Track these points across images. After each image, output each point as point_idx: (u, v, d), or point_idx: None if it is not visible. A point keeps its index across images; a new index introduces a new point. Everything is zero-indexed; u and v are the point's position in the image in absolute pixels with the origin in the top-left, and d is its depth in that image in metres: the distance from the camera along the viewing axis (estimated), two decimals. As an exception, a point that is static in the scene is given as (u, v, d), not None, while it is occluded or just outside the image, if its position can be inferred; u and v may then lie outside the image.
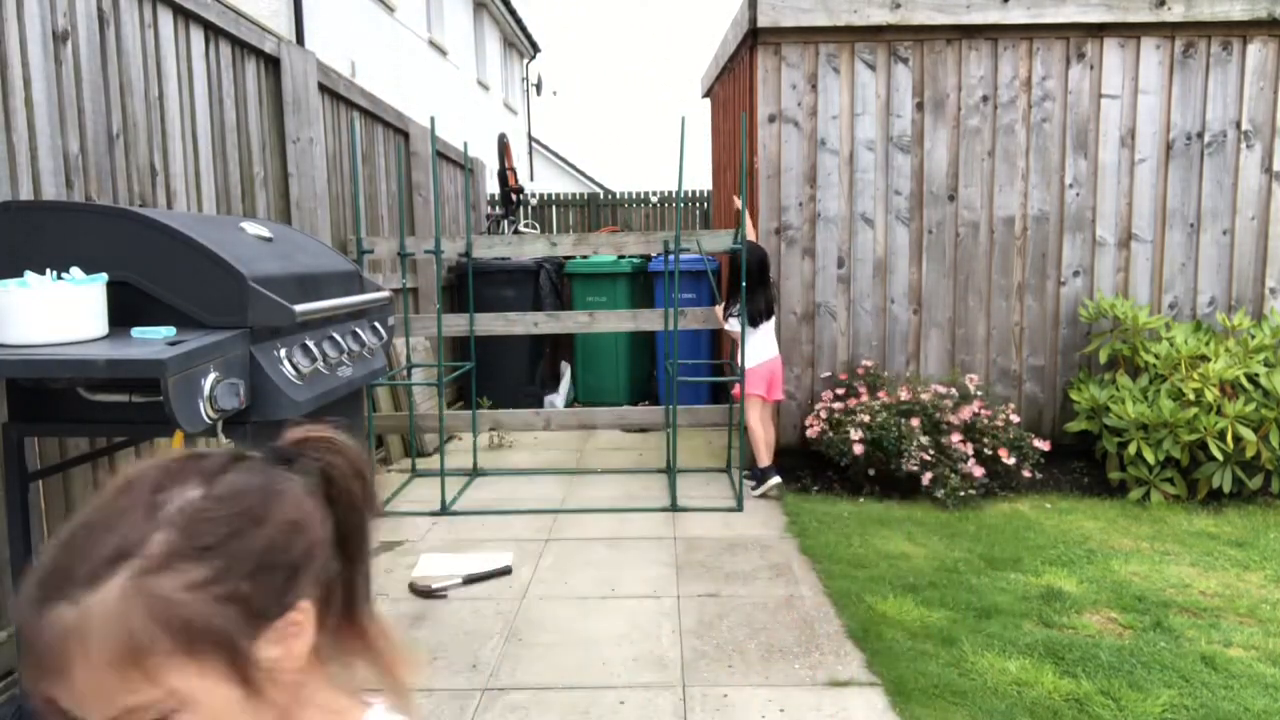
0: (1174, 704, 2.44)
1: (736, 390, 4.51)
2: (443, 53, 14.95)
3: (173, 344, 1.82)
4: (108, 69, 2.90)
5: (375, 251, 4.79)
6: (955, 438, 4.35)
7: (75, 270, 1.94)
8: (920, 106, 4.82)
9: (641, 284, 7.02)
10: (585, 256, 6.80)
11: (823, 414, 4.66)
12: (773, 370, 4.57)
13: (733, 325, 4.55)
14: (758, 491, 4.48)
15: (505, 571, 3.47)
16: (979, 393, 4.71)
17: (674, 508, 4.26)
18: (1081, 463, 4.83)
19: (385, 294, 2.75)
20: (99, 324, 1.92)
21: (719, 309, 4.70)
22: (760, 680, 2.60)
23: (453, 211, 7.38)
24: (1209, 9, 4.67)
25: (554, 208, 11.86)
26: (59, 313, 1.85)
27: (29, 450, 2.40)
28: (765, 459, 4.54)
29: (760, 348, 4.53)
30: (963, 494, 4.25)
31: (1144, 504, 4.30)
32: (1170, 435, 4.24)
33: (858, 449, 4.31)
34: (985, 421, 4.47)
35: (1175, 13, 4.68)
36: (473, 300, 4.87)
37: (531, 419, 4.98)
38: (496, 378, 6.60)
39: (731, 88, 5.75)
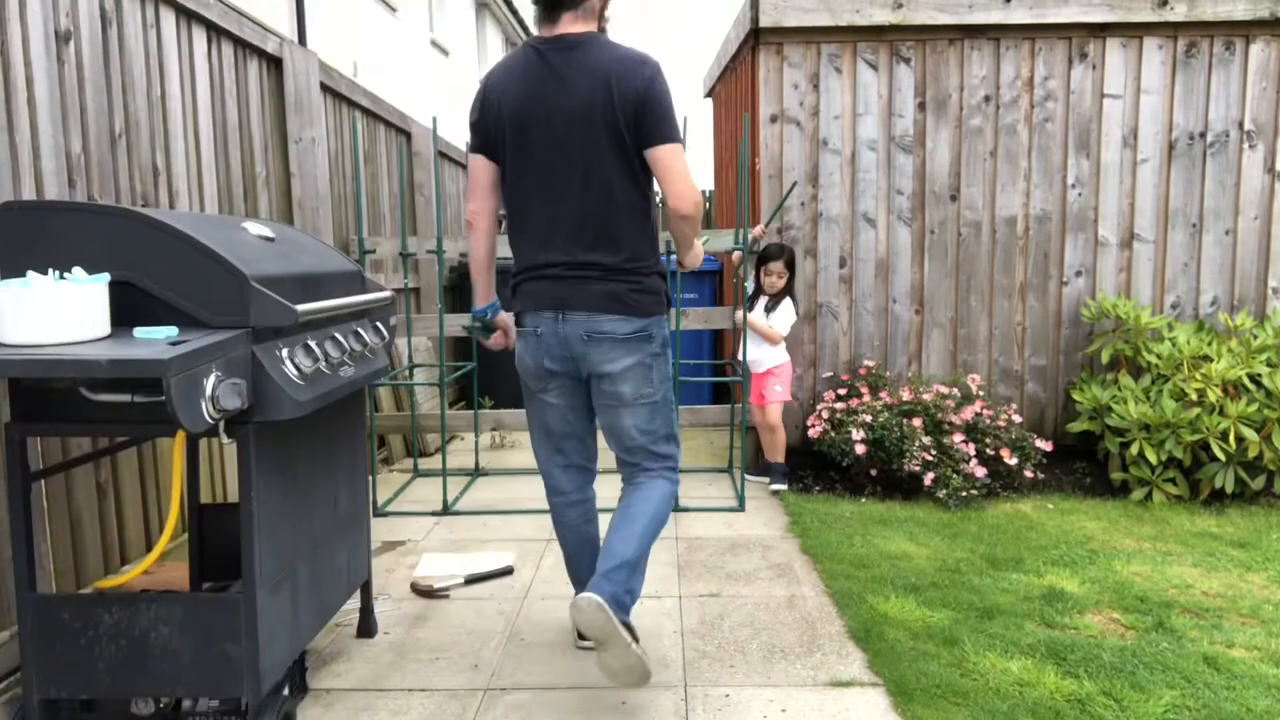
0: (1176, 705, 2.44)
1: (760, 398, 4.61)
2: (445, 53, 14.95)
3: (175, 344, 1.82)
4: (110, 69, 2.90)
5: (377, 251, 4.79)
6: (957, 438, 4.34)
7: (78, 270, 1.94)
8: (922, 106, 4.82)
9: (643, 284, 7.00)
10: (587, 256, 6.78)
11: (824, 414, 4.65)
12: (791, 368, 4.77)
13: (777, 323, 4.63)
14: (778, 486, 4.61)
15: (507, 571, 3.47)
16: (981, 393, 4.70)
17: (675, 507, 4.26)
18: (1084, 463, 4.82)
19: (387, 294, 2.75)
20: (101, 324, 1.92)
21: (751, 315, 4.63)
22: (762, 680, 2.60)
23: (454, 211, 7.39)
24: (1211, 9, 4.66)
25: (556, 207, 11.82)
26: (62, 313, 1.85)
27: (31, 450, 2.41)
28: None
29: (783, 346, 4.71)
30: (965, 494, 4.25)
31: (1146, 504, 4.29)
32: (1172, 435, 4.24)
33: (859, 449, 4.31)
34: (987, 422, 4.47)
35: (1178, 12, 4.67)
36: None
37: (533, 419, 4.97)
38: (498, 378, 6.59)
39: (734, 87, 5.75)
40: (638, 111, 2.32)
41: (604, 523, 4.06)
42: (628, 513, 2.53)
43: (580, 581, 2.69)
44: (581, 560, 2.74)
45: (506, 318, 2.74)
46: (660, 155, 2.35)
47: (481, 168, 2.50)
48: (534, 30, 2.49)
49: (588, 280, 2.40)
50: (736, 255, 4.58)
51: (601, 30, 2.47)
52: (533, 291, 2.46)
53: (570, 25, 2.39)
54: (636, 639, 2.36)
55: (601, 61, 2.34)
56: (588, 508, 2.77)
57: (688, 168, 2.38)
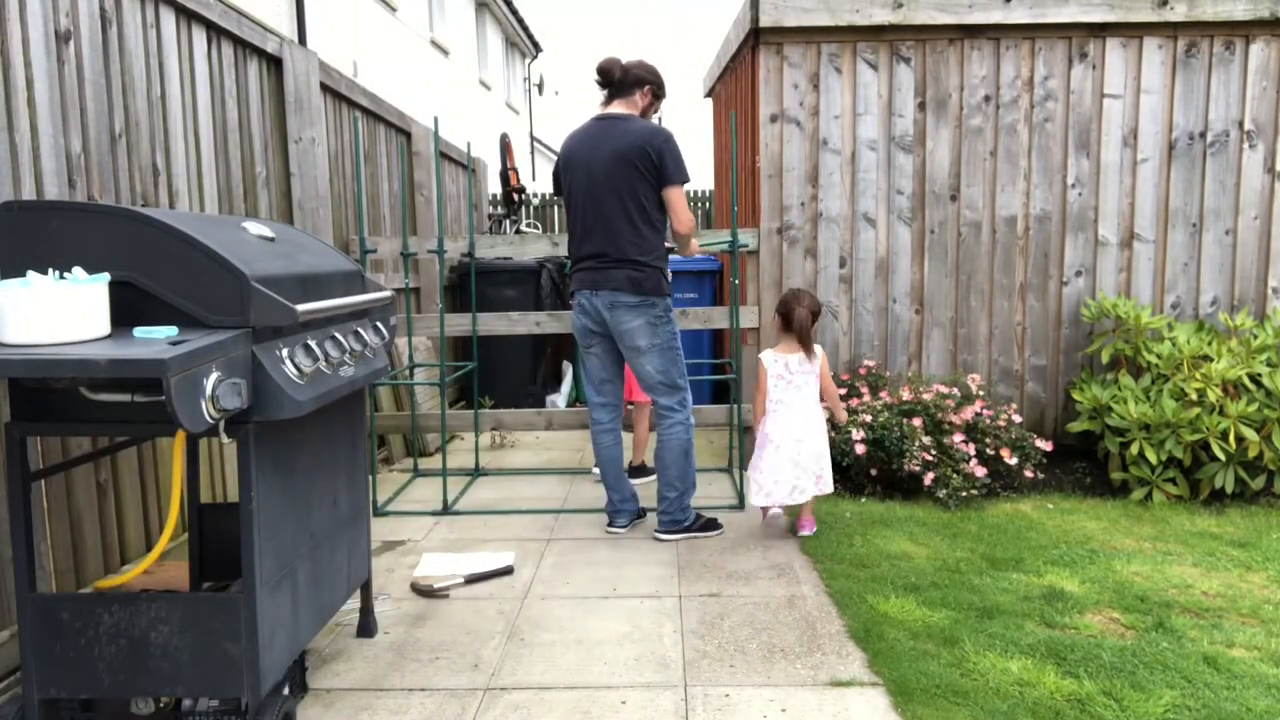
0: (1176, 704, 2.44)
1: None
2: (445, 52, 14.96)
3: (175, 344, 1.83)
4: (110, 69, 2.91)
5: (377, 251, 4.79)
6: (957, 438, 4.34)
7: (78, 270, 1.94)
8: (922, 106, 4.82)
9: (643, 284, 7.00)
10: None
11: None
12: None
13: None
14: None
15: (507, 571, 3.47)
16: (981, 393, 4.70)
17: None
18: (1084, 463, 4.83)
19: (387, 294, 2.75)
20: (101, 324, 1.92)
21: None
22: (762, 680, 2.60)
23: (455, 211, 7.39)
24: (1211, 9, 4.66)
25: (556, 207, 11.86)
26: (61, 312, 1.85)
27: (31, 450, 2.41)
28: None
29: None
30: (965, 494, 4.25)
31: (1146, 504, 4.29)
32: (1172, 435, 4.24)
33: (859, 449, 4.31)
34: (987, 421, 4.47)
35: (1178, 12, 4.67)
36: (475, 300, 4.87)
37: (533, 418, 4.99)
38: (498, 377, 6.61)
39: (733, 87, 5.75)
40: (658, 162, 3.56)
41: (599, 520, 4.08)
42: (659, 465, 3.82)
43: (609, 487, 3.95)
44: (609, 472, 3.94)
45: None
46: (668, 193, 3.63)
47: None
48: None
49: (609, 268, 3.64)
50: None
51: (644, 116, 3.74)
52: (578, 276, 3.76)
53: (618, 108, 3.72)
54: (699, 525, 3.88)
55: (635, 128, 3.62)
56: (616, 435, 3.93)
57: (686, 203, 3.69)
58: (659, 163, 3.56)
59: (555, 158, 3.91)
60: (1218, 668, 2.64)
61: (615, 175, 3.58)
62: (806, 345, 3.79)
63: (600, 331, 3.76)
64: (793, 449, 3.76)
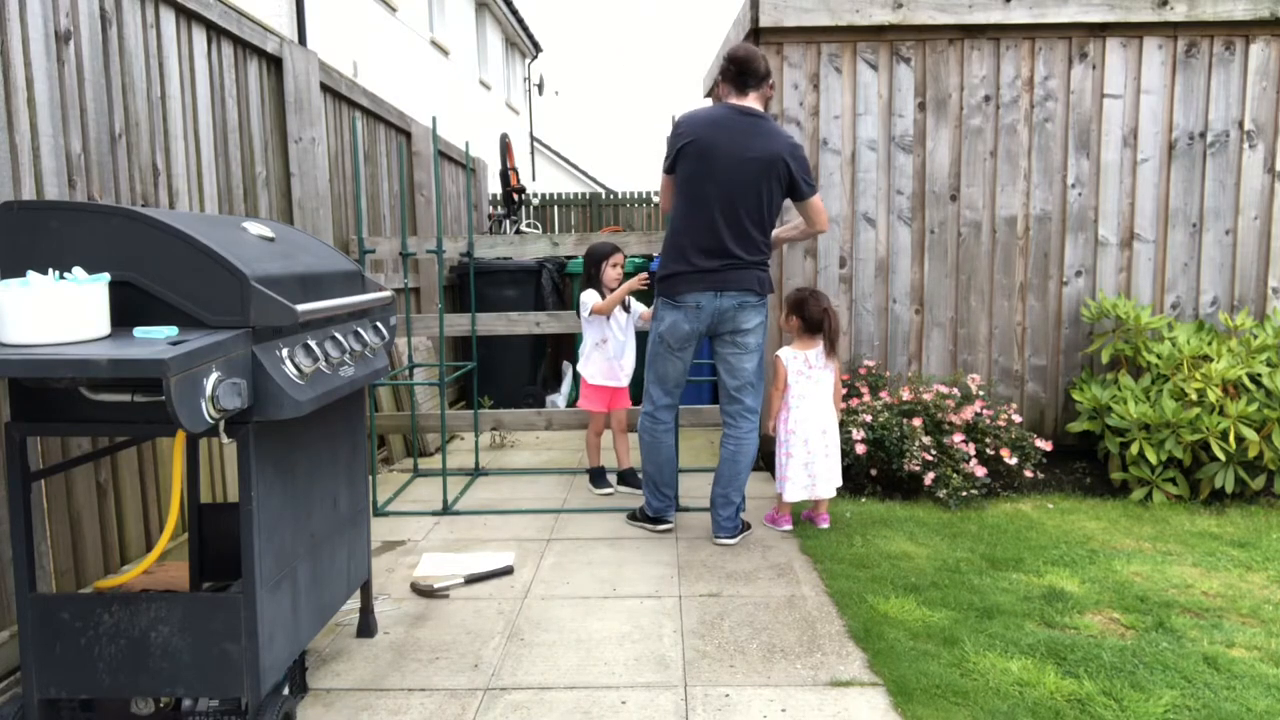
0: (1176, 704, 2.44)
1: (585, 402, 4.56)
2: (445, 52, 14.96)
3: (175, 344, 1.82)
4: (110, 69, 2.91)
5: (377, 251, 4.80)
6: (957, 438, 4.34)
7: (78, 270, 1.94)
8: (922, 106, 4.82)
9: (643, 284, 7.01)
10: (587, 256, 6.80)
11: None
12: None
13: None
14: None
15: (507, 571, 3.47)
16: (981, 393, 4.70)
17: (676, 507, 4.26)
18: (1083, 463, 4.83)
19: (387, 294, 2.75)
20: (101, 324, 1.92)
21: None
22: (762, 680, 2.60)
23: (454, 211, 7.39)
24: (1211, 9, 4.66)
25: (556, 207, 11.88)
26: (61, 312, 1.85)
27: (31, 450, 2.41)
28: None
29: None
30: (965, 494, 4.25)
31: (1146, 504, 4.29)
32: (1172, 435, 4.24)
33: (860, 449, 4.31)
34: (987, 421, 4.47)
35: (1178, 12, 4.67)
36: (474, 300, 4.87)
37: (533, 419, 4.99)
38: (498, 377, 6.61)
39: (733, 87, 5.74)
40: (797, 174, 3.60)
41: (598, 520, 4.07)
42: (734, 469, 3.76)
43: (666, 484, 3.94)
44: (664, 472, 3.93)
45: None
46: (813, 202, 3.70)
47: (668, 182, 3.74)
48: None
49: (739, 269, 3.62)
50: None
51: (765, 107, 3.71)
52: (698, 276, 3.62)
53: (755, 101, 3.64)
54: (749, 526, 3.92)
55: (778, 133, 3.62)
56: (675, 433, 3.94)
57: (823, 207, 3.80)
58: (793, 175, 3.59)
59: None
60: (1218, 668, 2.65)
61: (760, 180, 3.55)
62: (832, 341, 3.91)
63: (701, 334, 3.71)
64: (820, 441, 3.89)
